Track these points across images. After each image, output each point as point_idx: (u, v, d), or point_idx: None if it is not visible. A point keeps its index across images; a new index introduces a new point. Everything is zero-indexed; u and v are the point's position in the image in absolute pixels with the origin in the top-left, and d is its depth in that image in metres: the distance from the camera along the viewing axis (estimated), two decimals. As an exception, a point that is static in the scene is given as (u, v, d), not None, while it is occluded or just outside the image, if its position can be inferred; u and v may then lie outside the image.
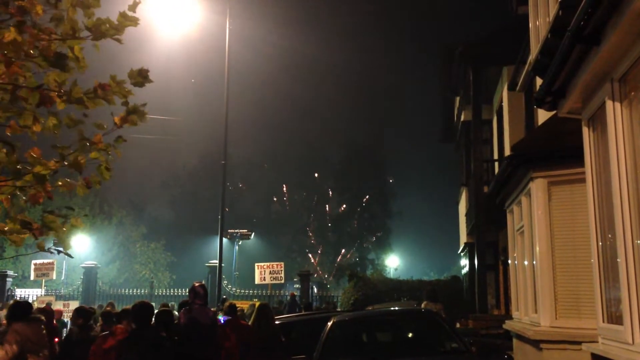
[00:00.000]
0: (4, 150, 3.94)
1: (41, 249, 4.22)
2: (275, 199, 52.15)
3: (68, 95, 3.98)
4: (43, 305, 14.32)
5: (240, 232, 32.70)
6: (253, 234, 36.34)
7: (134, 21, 4.08)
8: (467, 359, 7.04)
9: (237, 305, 10.94)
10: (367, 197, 50.39)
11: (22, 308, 6.61)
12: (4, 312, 8.12)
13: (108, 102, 4.10)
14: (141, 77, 4.13)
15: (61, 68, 3.97)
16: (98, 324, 10.15)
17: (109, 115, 4.22)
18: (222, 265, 19.61)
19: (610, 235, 4.39)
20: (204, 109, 50.04)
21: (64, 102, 4.01)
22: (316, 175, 51.63)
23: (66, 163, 4.07)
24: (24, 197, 4.08)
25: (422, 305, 13.67)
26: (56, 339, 9.90)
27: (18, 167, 3.98)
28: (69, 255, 4.38)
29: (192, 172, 51.49)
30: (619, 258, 4.09)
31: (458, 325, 14.33)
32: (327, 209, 51.57)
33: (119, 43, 4.10)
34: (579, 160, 5.17)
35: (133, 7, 4.08)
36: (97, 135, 4.15)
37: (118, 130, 4.20)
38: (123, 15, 4.08)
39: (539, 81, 7.33)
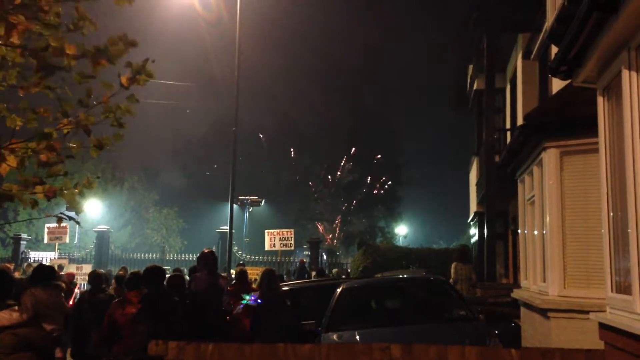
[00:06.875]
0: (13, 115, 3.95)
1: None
2: (284, 165, 52.05)
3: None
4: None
5: (250, 198, 32.92)
6: (263, 201, 36.54)
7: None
8: (474, 326, 7.11)
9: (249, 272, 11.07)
10: (378, 158, 50.11)
11: (44, 273, 6.60)
12: (18, 273, 8.25)
13: (112, 62, 4.07)
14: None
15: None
16: (111, 287, 10.36)
17: (115, 79, 4.19)
18: (233, 231, 19.78)
19: (621, 206, 4.37)
20: (215, 75, 49.76)
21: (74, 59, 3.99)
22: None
23: (71, 119, 4.07)
24: (36, 160, 4.10)
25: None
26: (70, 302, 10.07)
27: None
28: (78, 223, 4.42)
29: (203, 138, 51.44)
30: (629, 229, 4.08)
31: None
32: (337, 175, 51.52)
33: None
34: (592, 130, 5.10)
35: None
36: (104, 97, 4.14)
37: (125, 92, 4.17)
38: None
39: (554, 49, 7.21)
